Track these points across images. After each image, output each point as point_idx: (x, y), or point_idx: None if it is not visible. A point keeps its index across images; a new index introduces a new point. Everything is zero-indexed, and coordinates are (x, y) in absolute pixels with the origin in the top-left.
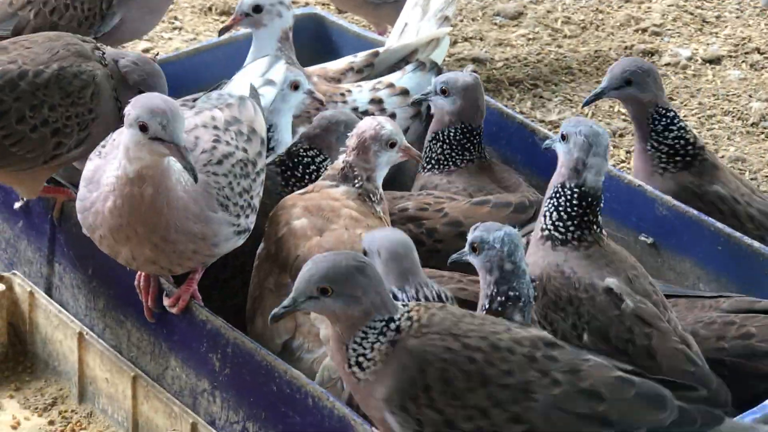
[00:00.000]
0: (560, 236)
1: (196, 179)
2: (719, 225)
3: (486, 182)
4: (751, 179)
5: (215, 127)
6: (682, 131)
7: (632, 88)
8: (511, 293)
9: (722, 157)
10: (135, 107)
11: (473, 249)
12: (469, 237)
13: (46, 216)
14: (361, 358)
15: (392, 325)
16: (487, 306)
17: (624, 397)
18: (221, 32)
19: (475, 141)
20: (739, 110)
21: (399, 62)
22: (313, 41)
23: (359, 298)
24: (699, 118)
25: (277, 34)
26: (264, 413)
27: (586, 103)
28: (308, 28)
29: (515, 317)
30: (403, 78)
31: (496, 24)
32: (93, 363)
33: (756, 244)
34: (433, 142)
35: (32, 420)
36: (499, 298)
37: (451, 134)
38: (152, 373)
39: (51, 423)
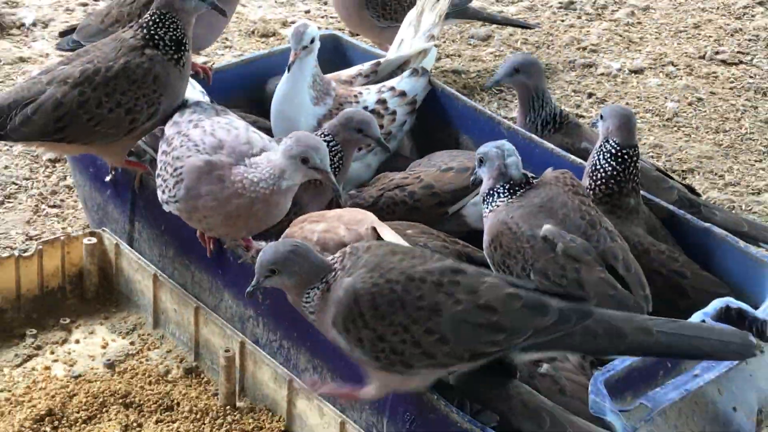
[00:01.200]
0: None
1: (341, 197)
2: None
3: None
4: (666, 161)
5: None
6: (552, 107)
7: (520, 75)
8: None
9: (644, 144)
10: (298, 145)
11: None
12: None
13: (128, 186)
14: (309, 306)
15: (324, 280)
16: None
17: (513, 308)
18: (289, 68)
19: None
20: (657, 109)
21: (396, 70)
22: (333, 56)
23: (296, 271)
24: None
25: (315, 57)
26: (295, 333)
27: (488, 88)
28: (329, 46)
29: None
30: (401, 82)
31: (470, 44)
32: (164, 297)
33: (670, 206)
34: None
35: (117, 341)
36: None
37: None
38: (210, 305)
39: (132, 344)
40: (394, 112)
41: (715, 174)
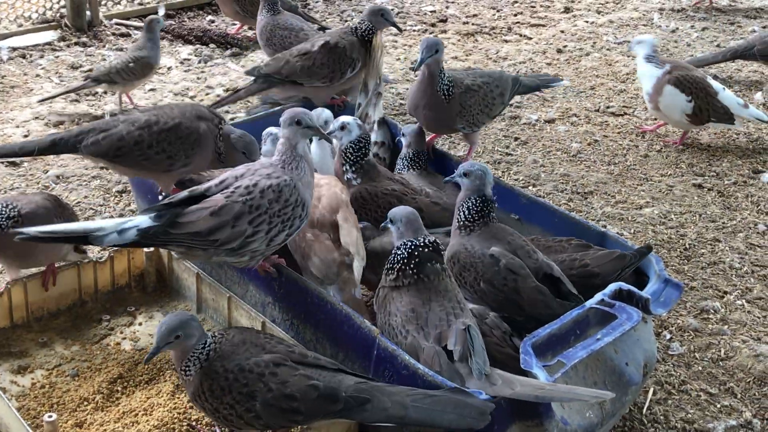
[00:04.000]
0: (468, 225)
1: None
2: (555, 207)
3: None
4: (573, 186)
5: None
6: (451, 80)
7: (437, 54)
8: (484, 196)
9: (555, 173)
10: (288, 114)
11: (465, 175)
12: (460, 169)
13: None
14: (186, 370)
15: (204, 351)
16: (465, 207)
17: (310, 397)
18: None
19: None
20: (564, 148)
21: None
22: None
23: (190, 336)
24: (543, 153)
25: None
26: (303, 314)
27: (416, 69)
28: None
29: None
30: (376, 134)
31: None
32: (205, 290)
33: (577, 216)
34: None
35: None
36: (473, 200)
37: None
38: (239, 294)
39: None
40: (384, 158)
41: (609, 195)
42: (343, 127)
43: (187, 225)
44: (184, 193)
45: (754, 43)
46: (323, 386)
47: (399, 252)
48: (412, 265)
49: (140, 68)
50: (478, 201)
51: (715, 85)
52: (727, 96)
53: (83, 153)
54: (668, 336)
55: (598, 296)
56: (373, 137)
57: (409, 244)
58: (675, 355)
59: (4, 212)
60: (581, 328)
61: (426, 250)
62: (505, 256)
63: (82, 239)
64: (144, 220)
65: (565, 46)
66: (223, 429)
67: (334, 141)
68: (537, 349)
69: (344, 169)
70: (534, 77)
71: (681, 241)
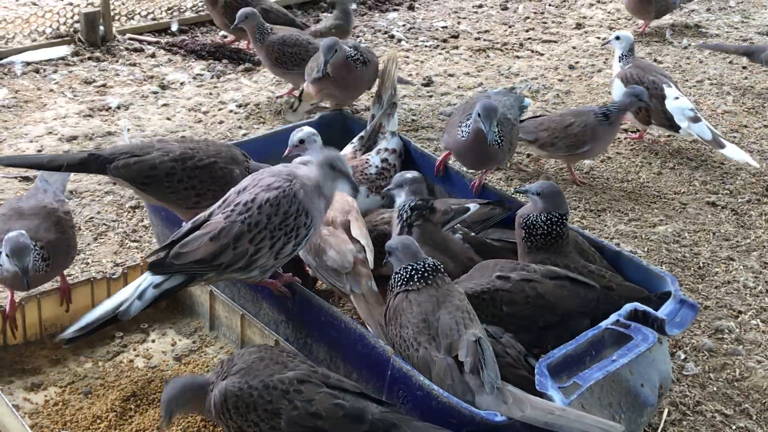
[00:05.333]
0: (541, 242)
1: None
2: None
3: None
4: (586, 203)
5: None
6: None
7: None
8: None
9: (569, 190)
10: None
11: (538, 194)
12: (533, 188)
13: None
14: (207, 409)
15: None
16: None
17: (335, 416)
18: (283, 159)
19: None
20: (578, 165)
21: (375, 133)
22: (340, 128)
23: (188, 399)
24: (555, 170)
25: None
26: (317, 333)
27: (489, 141)
28: (338, 120)
29: None
30: (390, 142)
31: (439, 119)
32: (218, 307)
33: (591, 235)
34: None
35: (183, 340)
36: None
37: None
38: (252, 312)
39: (194, 342)
40: (394, 165)
41: (622, 212)
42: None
43: (190, 254)
44: (187, 227)
45: (764, 48)
46: (349, 405)
47: (398, 275)
48: (416, 278)
49: None
50: (553, 218)
51: (669, 91)
52: (676, 105)
53: (112, 174)
54: (683, 356)
55: (613, 317)
56: (385, 144)
57: (410, 267)
58: (690, 375)
59: (38, 256)
60: (597, 349)
61: (427, 271)
62: (510, 270)
63: (112, 319)
64: (148, 273)
65: (577, 62)
66: None
67: (360, 194)
68: (552, 370)
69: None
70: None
71: (695, 259)
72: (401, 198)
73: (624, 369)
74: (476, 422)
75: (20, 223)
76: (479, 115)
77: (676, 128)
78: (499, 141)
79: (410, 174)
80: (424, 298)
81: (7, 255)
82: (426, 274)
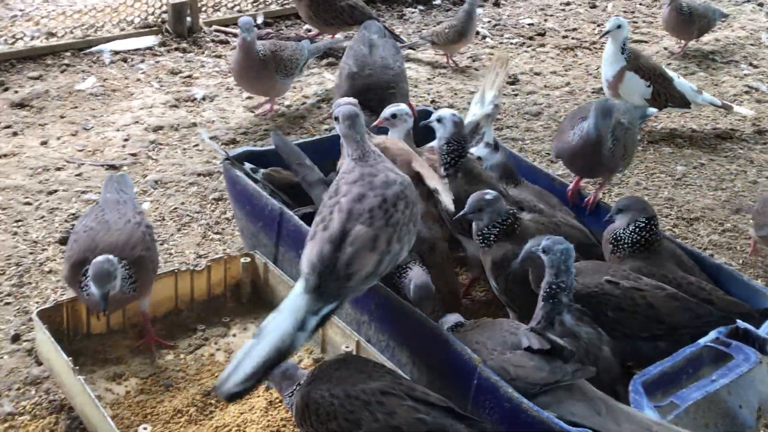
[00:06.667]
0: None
1: None
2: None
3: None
4: (678, 211)
5: None
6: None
7: (610, 119)
8: (561, 285)
9: (659, 197)
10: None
11: (544, 251)
12: (542, 244)
13: (275, 221)
14: (287, 402)
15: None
16: (545, 292)
17: (418, 431)
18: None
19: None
20: (669, 171)
21: (471, 132)
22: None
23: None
24: (646, 175)
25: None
26: (400, 336)
27: (592, 134)
28: (424, 117)
29: (563, 299)
30: (477, 150)
31: (525, 118)
32: None
33: (690, 247)
34: None
35: None
36: (553, 287)
37: None
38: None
39: None
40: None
41: (716, 222)
42: (439, 120)
43: (358, 273)
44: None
45: None
46: (431, 421)
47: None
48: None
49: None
50: (640, 224)
51: (670, 73)
52: (681, 83)
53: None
54: None
55: (712, 334)
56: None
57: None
58: None
59: (126, 279)
60: (694, 367)
61: None
62: (621, 280)
63: (277, 361)
64: (305, 300)
65: (668, 64)
66: None
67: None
68: (648, 388)
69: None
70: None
71: None
72: (482, 222)
73: (723, 389)
74: None
75: (107, 239)
76: (593, 113)
77: (687, 104)
78: (612, 146)
79: (489, 195)
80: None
81: (90, 279)
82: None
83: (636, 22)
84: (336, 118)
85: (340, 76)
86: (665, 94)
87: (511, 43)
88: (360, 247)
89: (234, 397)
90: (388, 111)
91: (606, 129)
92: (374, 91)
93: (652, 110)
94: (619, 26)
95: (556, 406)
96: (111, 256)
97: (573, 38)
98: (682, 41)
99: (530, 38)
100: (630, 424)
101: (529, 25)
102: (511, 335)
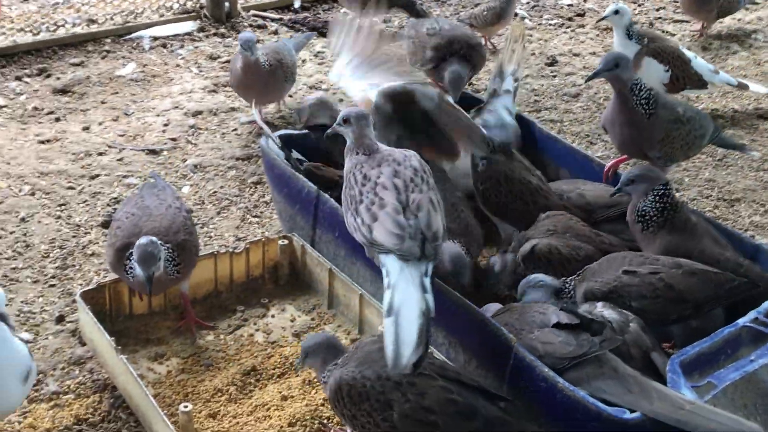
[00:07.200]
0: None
1: None
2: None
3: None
4: (719, 192)
5: None
6: (648, 89)
7: (617, 70)
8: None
9: (699, 179)
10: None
11: (630, 182)
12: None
13: (312, 203)
14: (323, 379)
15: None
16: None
17: (449, 411)
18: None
19: None
20: (710, 151)
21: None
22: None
23: (330, 355)
24: None
25: None
26: (437, 316)
27: (588, 80)
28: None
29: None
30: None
31: (564, 100)
32: (337, 286)
33: (729, 227)
34: None
35: (302, 317)
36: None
37: None
38: (370, 292)
39: (312, 319)
40: None
41: (758, 203)
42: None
43: (438, 231)
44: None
45: None
46: (462, 401)
47: None
48: None
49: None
50: (657, 191)
51: (688, 53)
52: (699, 63)
53: None
54: None
55: (751, 314)
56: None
57: None
58: None
59: (170, 261)
60: (733, 347)
61: None
62: (638, 267)
63: (427, 325)
64: (412, 267)
65: (710, 44)
66: None
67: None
68: (685, 368)
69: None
70: (730, 139)
71: None
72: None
73: (762, 370)
74: (603, 419)
75: (150, 224)
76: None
77: (704, 85)
78: (647, 106)
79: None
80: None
81: (136, 261)
82: None
83: (677, 2)
84: (346, 120)
85: (416, 41)
86: (683, 78)
87: (550, 24)
88: (426, 210)
89: (417, 365)
90: None
91: (615, 80)
92: (459, 42)
93: (754, 153)
94: (617, 12)
95: (587, 384)
96: (154, 238)
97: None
98: (702, 22)
99: (569, 19)
100: (662, 402)
101: (568, 5)
102: (540, 315)
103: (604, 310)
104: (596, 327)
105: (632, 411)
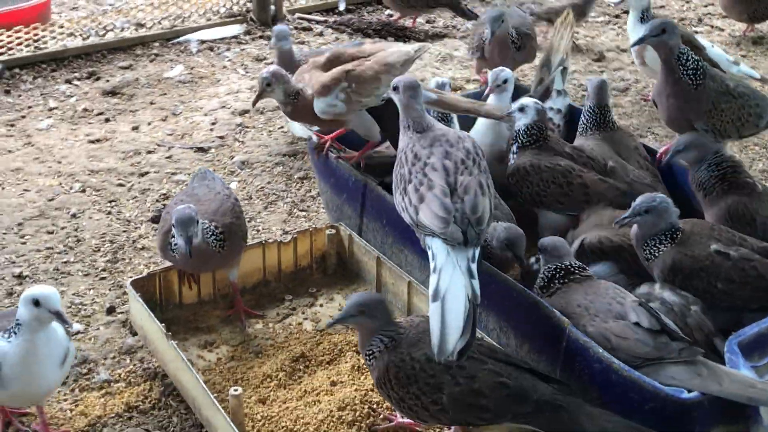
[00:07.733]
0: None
1: None
2: None
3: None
4: None
5: None
6: (698, 61)
7: (664, 36)
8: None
9: (754, 170)
10: None
11: (646, 212)
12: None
13: (359, 192)
14: (369, 352)
15: (385, 340)
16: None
17: (499, 395)
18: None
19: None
20: (763, 143)
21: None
22: None
23: (377, 317)
24: (739, 147)
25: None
26: (486, 302)
27: (634, 45)
28: None
29: None
30: (554, 101)
31: (612, 94)
32: (385, 274)
33: None
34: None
35: None
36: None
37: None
38: (419, 279)
39: None
40: (558, 125)
41: None
42: (521, 109)
43: (483, 216)
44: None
45: None
46: (513, 384)
47: (544, 275)
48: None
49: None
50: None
51: (703, 41)
52: (715, 52)
53: None
54: None
55: None
56: (550, 104)
57: (554, 267)
58: None
59: (209, 232)
60: None
61: (572, 272)
62: (730, 248)
63: (474, 310)
64: (458, 252)
65: (761, 38)
66: (404, 417)
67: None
68: (744, 348)
69: (512, 149)
70: None
71: None
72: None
73: None
74: (660, 398)
75: (198, 207)
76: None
77: None
78: (694, 77)
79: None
80: (577, 286)
81: (174, 227)
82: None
83: None
84: (396, 88)
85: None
86: None
87: (597, 21)
88: (474, 193)
89: (463, 352)
90: (500, 76)
91: (664, 48)
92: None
93: None
94: None
95: (655, 374)
96: (191, 204)
97: (661, 14)
98: (745, 24)
99: (616, 16)
100: (731, 383)
101: (615, 3)
102: (618, 304)
103: (663, 292)
104: (675, 336)
105: (690, 391)
